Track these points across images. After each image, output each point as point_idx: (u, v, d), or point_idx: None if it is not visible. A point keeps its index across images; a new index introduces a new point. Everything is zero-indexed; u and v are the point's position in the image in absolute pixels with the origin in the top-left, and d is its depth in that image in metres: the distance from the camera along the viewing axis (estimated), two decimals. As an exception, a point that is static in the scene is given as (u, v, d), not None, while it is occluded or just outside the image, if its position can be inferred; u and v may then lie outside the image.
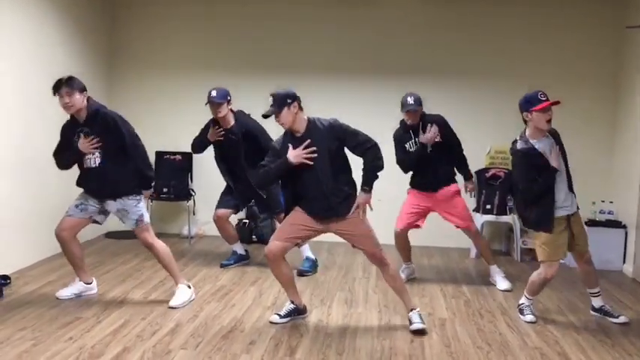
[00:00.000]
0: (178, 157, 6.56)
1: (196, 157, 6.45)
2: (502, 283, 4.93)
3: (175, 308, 4.13)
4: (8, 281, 4.53)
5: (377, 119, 5.67)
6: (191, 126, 6.46)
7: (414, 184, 5.01)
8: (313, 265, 5.22)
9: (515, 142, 4.01)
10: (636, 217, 5.46)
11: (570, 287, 5.01)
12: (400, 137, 4.88)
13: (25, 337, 3.50)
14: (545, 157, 3.89)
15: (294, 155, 3.65)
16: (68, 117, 4.15)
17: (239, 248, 5.44)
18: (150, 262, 5.41)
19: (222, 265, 5.29)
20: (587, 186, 5.53)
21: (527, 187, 3.92)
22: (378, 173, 3.74)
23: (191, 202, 6.41)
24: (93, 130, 4.05)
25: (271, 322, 3.91)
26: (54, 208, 4.66)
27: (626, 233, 5.71)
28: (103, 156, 4.09)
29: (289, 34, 6.50)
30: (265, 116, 3.73)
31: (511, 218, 5.98)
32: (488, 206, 5.97)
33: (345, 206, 3.75)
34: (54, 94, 3.98)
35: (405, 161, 4.85)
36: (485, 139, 6.18)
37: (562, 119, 6.09)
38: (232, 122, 5.09)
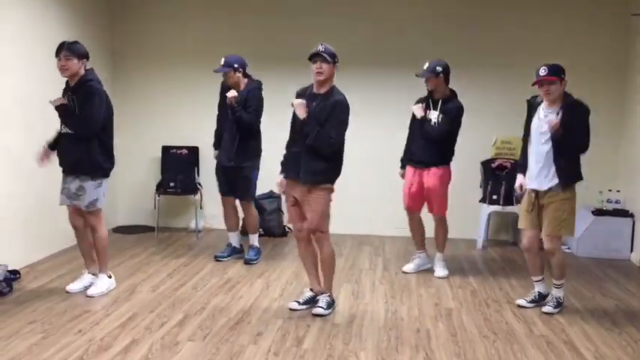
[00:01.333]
0: (185, 151, 6.58)
1: (203, 151, 6.49)
2: (441, 272, 4.98)
3: (93, 297, 4.20)
4: (18, 276, 4.58)
5: (382, 112, 5.67)
6: (197, 120, 6.52)
7: (406, 158, 5.03)
8: (258, 253, 5.35)
9: None
10: (643, 206, 5.46)
11: (576, 276, 5.00)
12: (419, 100, 4.93)
13: (34, 330, 3.55)
14: (535, 120, 4.04)
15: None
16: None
17: (235, 241, 5.41)
18: (158, 256, 5.47)
19: (217, 258, 5.30)
20: (594, 175, 5.52)
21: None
22: (317, 137, 3.75)
23: (198, 195, 6.43)
24: (77, 97, 4.09)
25: (291, 309, 4.00)
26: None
27: (634, 222, 5.70)
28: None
29: (294, 27, 6.48)
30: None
31: (517, 208, 5.95)
32: (494, 197, 5.96)
33: (311, 175, 3.81)
34: (56, 55, 4.06)
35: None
36: (491, 129, 6.16)
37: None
38: (242, 88, 5.09)
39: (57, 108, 4.09)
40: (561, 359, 3.34)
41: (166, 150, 6.62)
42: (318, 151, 3.77)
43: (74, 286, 4.33)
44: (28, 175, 4.95)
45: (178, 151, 6.59)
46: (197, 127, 6.51)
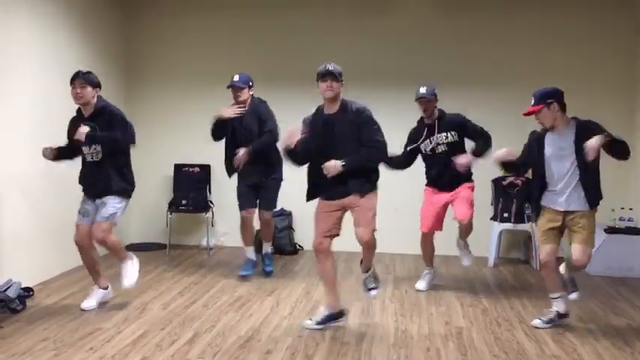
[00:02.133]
0: (197, 169, 6.65)
1: (215, 169, 6.54)
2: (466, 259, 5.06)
3: (131, 286, 4.38)
4: (31, 293, 4.63)
5: (388, 129, 5.69)
6: (209, 138, 6.56)
7: (431, 181, 5.01)
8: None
9: None
10: (656, 224, 5.41)
11: (589, 294, 4.96)
12: (413, 135, 4.95)
13: (47, 348, 3.58)
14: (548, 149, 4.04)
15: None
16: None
17: (252, 255, 5.47)
18: (169, 273, 5.51)
19: (243, 276, 5.32)
20: (606, 193, 5.44)
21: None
22: (362, 164, 3.88)
23: (209, 213, 6.48)
24: (97, 123, 4.20)
25: (306, 328, 4.02)
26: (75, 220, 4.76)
27: (647, 240, 5.65)
28: (104, 150, 4.24)
29: (305, 46, 6.56)
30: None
31: (529, 226, 5.94)
32: (505, 214, 5.95)
33: (358, 184, 3.88)
34: (70, 83, 4.19)
35: (397, 162, 4.93)
36: (499, 146, 6.14)
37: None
38: (247, 106, 5.22)
39: (86, 138, 4.18)
40: (573, 379, 3.32)
41: (178, 168, 6.69)
42: (377, 163, 3.95)
43: (88, 304, 4.37)
44: (42, 192, 5.02)
45: (190, 169, 6.66)
46: (209, 145, 6.55)
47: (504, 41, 6.35)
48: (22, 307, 4.30)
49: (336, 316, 4.09)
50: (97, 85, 4.27)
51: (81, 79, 4.18)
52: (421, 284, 5.11)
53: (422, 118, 4.94)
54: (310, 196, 4.05)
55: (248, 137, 5.20)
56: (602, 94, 6.17)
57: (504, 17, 6.35)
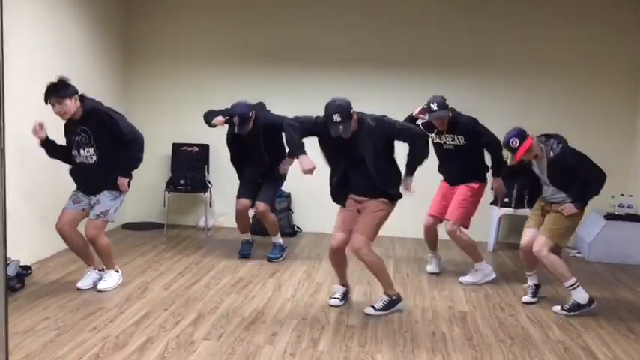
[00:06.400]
0: (195, 148, 6.56)
1: (213, 149, 6.47)
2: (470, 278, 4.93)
3: (103, 291, 4.25)
4: (30, 271, 4.56)
5: (395, 109, 5.64)
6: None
7: (441, 174, 5.08)
8: (282, 250, 5.40)
9: (557, 146, 4.13)
10: (657, 211, 5.43)
11: (588, 281, 4.98)
12: (425, 125, 4.82)
13: (49, 327, 3.53)
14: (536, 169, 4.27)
15: (305, 165, 3.83)
16: None
17: (247, 236, 5.46)
18: (169, 253, 5.46)
19: (242, 256, 5.34)
20: (606, 179, 5.49)
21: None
22: (420, 159, 3.97)
23: (207, 194, 6.41)
24: (90, 128, 4.11)
25: (331, 305, 4.11)
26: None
27: (646, 227, 5.67)
28: (99, 153, 4.16)
29: (306, 25, 6.47)
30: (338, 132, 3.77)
31: (529, 212, 5.92)
32: (506, 199, 5.94)
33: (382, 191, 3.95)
34: (45, 102, 4.02)
35: None
36: (504, 132, 6.12)
37: (581, 112, 6.11)
38: (250, 126, 5.04)
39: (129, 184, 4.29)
40: (579, 365, 3.33)
41: (177, 147, 6.60)
42: (423, 157, 3.98)
43: (83, 283, 4.32)
44: (40, 171, 4.93)
45: (189, 149, 6.58)
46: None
47: (511, 22, 6.28)
48: (21, 285, 4.24)
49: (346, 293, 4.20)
50: (73, 92, 4.04)
51: (53, 98, 3.98)
52: (431, 267, 5.13)
53: None
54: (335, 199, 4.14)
55: (256, 151, 5.12)
56: (606, 77, 6.13)
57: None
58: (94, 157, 4.17)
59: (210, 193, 6.46)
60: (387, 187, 3.93)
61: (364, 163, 3.86)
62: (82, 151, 4.18)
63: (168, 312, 3.88)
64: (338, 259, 4.11)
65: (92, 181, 4.23)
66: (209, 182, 6.49)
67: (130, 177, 4.28)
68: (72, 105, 4.04)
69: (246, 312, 3.95)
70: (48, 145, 4.29)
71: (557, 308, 4.17)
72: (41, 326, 3.54)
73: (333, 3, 6.46)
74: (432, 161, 4.93)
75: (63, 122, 4.23)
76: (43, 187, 5.00)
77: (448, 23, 6.34)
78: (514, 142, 4.06)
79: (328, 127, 3.75)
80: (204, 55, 6.59)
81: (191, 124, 6.59)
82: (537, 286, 4.43)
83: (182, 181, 6.37)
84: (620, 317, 4.12)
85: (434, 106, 4.64)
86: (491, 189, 5.10)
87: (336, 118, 3.71)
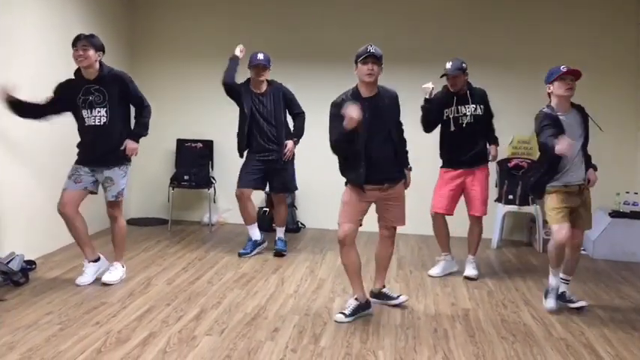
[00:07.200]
0: (199, 145, 6.57)
1: (217, 145, 6.47)
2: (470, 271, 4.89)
3: (109, 284, 4.28)
4: (34, 266, 4.59)
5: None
6: (212, 114, 6.51)
7: (448, 161, 4.85)
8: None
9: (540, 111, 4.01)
10: (662, 209, 5.39)
11: (593, 278, 4.96)
12: (440, 99, 4.70)
13: (52, 322, 3.55)
14: (563, 129, 3.88)
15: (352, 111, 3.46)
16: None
17: (255, 234, 5.36)
18: (172, 248, 5.47)
19: (241, 255, 5.27)
20: (611, 177, 5.48)
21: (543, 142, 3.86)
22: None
23: (212, 190, 6.42)
24: (106, 87, 4.12)
25: (336, 322, 3.74)
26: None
27: (652, 225, 5.63)
28: (110, 114, 4.15)
29: (314, 21, 6.47)
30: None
31: (533, 209, 5.92)
32: (510, 196, 5.92)
33: (398, 172, 3.92)
34: (73, 46, 4.06)
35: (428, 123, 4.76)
36: (508, 129, 6.10)
37: (585, 108, 6.06)
38: (265, 88, 5.20)
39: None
40: (581, 362, 3.32)
41: (181, 143, 6.61)
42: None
43: (83, 280, 4.30)
44: (43, 165, 4.95)
45: (193, 145, 6.58)
46: (212, 120, 6.51)
47: (514, 19, 6.25)
48: (25, 280, 4.26)
49: (365, 305, 3.89)
50: (100, 49, 4.12)
51: (84, 41, 4.03)
52: (434, 271, 4.94)
53: (446, 86, 4.77)
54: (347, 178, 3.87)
55: (268, 119, 5.16)
56: (610, 73, 6.10)
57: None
58: (104, 118, 4.14)
59: (215, 189, 6.47)
60: (405, 165, 3.98)
61: (390, 139, 3.77)
62: (93, 110, 4.12)
63: (171, 307, 3.89)
64: (351, 254, 3.82)
65: (99, 146, 4.16)
66: (213, 178, 6.50)
67: (138, 137, 4.33)
68: (93, 57, 4.07)
69: (248, 308, 3.96)
70: (19, 105, 4.14)
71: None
72: (44, 320, 3.56)
73: (333, 2, 6.44)
74: (429, 153, 4.95)
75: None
76: (44, 182, 5.01)
77: (450, 21, 6.32)
78: (564, 67, 3.91)
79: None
80: (208, 52, 6.58)
81: (195, 120, 6.63)
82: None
83: (186, 177, 6.38)
84: (623, 315, 4.10)
85: (448, 65, 4.62)
86: (489, 156, 4.92)
87: (372, 49, 3.67)
